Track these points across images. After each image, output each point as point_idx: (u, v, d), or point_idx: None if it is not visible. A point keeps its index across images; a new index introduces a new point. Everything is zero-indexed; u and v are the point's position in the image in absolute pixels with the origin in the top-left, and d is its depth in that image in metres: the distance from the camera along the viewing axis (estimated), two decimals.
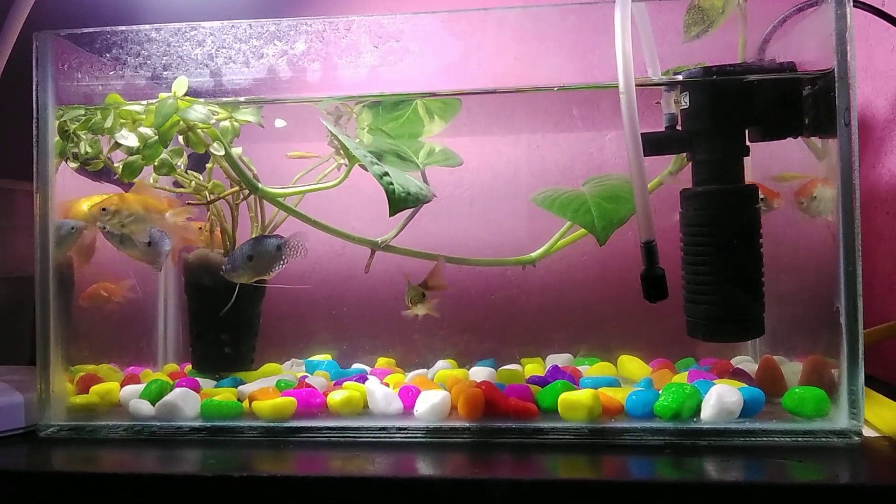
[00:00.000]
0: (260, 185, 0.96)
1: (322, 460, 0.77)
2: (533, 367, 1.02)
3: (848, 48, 0.76)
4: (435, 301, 0.91)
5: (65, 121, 0.89)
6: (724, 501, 0.65)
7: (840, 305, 0.76)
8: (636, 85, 0.75)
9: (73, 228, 0.91)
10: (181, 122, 0.88)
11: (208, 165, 0.99)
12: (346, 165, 0.97)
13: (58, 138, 0.89)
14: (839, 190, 0.76)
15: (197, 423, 0.85)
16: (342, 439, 0.81)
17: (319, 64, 0.91)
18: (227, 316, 0.98)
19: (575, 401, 0.80)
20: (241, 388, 0.92)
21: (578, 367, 1.00)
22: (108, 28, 0.90)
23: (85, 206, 0.93)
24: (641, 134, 0.75)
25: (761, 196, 0.84)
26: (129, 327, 1.09)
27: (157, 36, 0.90)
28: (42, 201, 0.87)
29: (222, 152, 0.91)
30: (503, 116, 1.04)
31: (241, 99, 0.91)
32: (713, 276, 0.82)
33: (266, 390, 0.88)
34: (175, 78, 0.89)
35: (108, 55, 0.91)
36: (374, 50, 0.89)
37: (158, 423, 0.85)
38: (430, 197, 0.92)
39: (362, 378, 0.96)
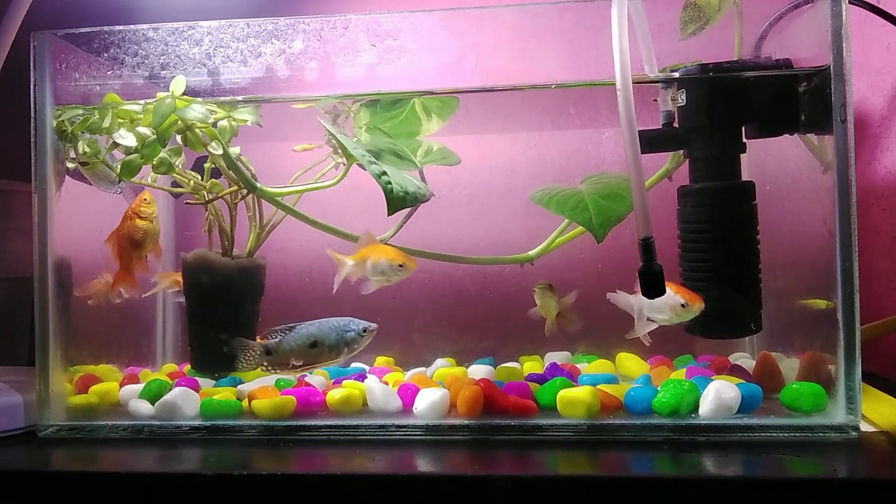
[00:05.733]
0: (258, 185, 0.96)
1: (322, 458, 0.77)
2: (531, 365, 1.03)
3: (844, 45, 0.76)
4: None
5: (63, 121, 0.89)
6: (722, 496, 0.65)
7: (837, 301, 0.76)
8: (633, 82, 0.75)
9: None
10: (179, 122, 0.88)
11: (206, 165, 0.99)
12: (345, 164, 0.97)
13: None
14: (835, 186, 0.76)
15: (196, 423, 0.85)
16: (342, 437, 0.81)
17: (317, 63, 0.91)
18: (226, 315, 0.98)
19: (574, 398, 0.80)
20: (240, 387, 0.93)
21: (577, 365, 1.00)
22: (105, 28, 0.90)
23: None
24: (638, 131, 0.76)
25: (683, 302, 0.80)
26: (128, 327, 1.09)
27: (155, 35, 0.90)
28: (40, 202, 0.87)
29: (220, 151, 0.91)
30: (501, 114, 1.04)
31: (239, 98, 0.92)
32: (711, 272, 0.82)
33: (265, 389, 0.88)
34: (173, 77, 0.89)
35: (105, 55, 0.91)
36: (371, 48, 0.89)
37: (158, 423, 0.85)
38: (428, 196, 0.92)
39: (361, 376, 0.96)
